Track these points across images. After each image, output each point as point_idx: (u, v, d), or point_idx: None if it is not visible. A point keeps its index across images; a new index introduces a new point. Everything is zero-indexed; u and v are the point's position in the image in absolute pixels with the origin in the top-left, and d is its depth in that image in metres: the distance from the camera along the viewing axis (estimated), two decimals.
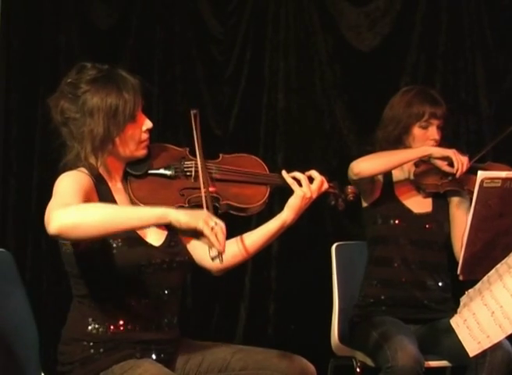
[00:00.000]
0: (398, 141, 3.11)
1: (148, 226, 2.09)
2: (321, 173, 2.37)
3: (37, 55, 3.73)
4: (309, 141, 3.86)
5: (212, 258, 2.06)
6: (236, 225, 2.19)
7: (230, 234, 2.32)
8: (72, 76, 2.24)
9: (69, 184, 2.13)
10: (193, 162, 2.32)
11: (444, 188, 3.03)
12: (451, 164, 2.98)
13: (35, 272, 3.65)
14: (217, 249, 2.01)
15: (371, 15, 3.86)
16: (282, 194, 2.43)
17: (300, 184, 2.33)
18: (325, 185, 2.37)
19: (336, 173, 3.12)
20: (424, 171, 3.08)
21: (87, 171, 2.22)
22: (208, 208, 2.12)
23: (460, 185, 3.03)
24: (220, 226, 2.01)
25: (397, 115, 3.09)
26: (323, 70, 3.86)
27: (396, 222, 3.08)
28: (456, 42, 3.83)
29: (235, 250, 2.31)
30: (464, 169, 2.95)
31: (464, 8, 3.81)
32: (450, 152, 2.97)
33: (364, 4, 3.87)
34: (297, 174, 2.36)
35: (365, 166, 2.98)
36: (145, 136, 2.29)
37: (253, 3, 3.85)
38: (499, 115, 3.76)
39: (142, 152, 2.29)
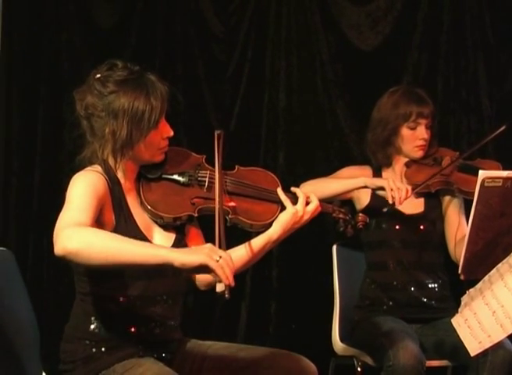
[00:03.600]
0: (387, 143, 3.10)
1: (149, 267, 1.96)
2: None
3: (39, 54, 3.72)
4: (310, 141, 3.86)
5: (219, 294, 1.92)
6: (234, 237, 2.14)
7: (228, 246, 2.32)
8: (102, 73, 2.22)
9: (82, 191, 2.09)
10: (208, 172, 2.30)
11: (435, 187, 2.99)
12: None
13: (36, 271, 3.64)
14: (224, 283, 1.90)
15: (373, 14, 3.85)
16: None
17: (296, 202, 2.32)
18: (317, 210, 2.36)
19: None
20: (415, 171, 3.06)
21: (101, 170, 2.20)
22: (219, 230, 2.03)
23: (449, 184, 3.00)
24: (225, 258, 1.90)
25: (385, 116, 3.08)
26: (325, 70, 3.85)
27: (389, 225, 3.07)
28: (457, 42, 3.82)
29: None
30: (403, 197, 2.82)
31: (466, 8, 3.80)
32: (384, 183, 2.87)
33: (365, 3, 3.87)
34: (298, 191, 2.36)
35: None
36: (164, 143, 2.27)
37: (254, 2, 3.85)
38: (500, 114, 3.75)
39: (160, 158, 2.28)
